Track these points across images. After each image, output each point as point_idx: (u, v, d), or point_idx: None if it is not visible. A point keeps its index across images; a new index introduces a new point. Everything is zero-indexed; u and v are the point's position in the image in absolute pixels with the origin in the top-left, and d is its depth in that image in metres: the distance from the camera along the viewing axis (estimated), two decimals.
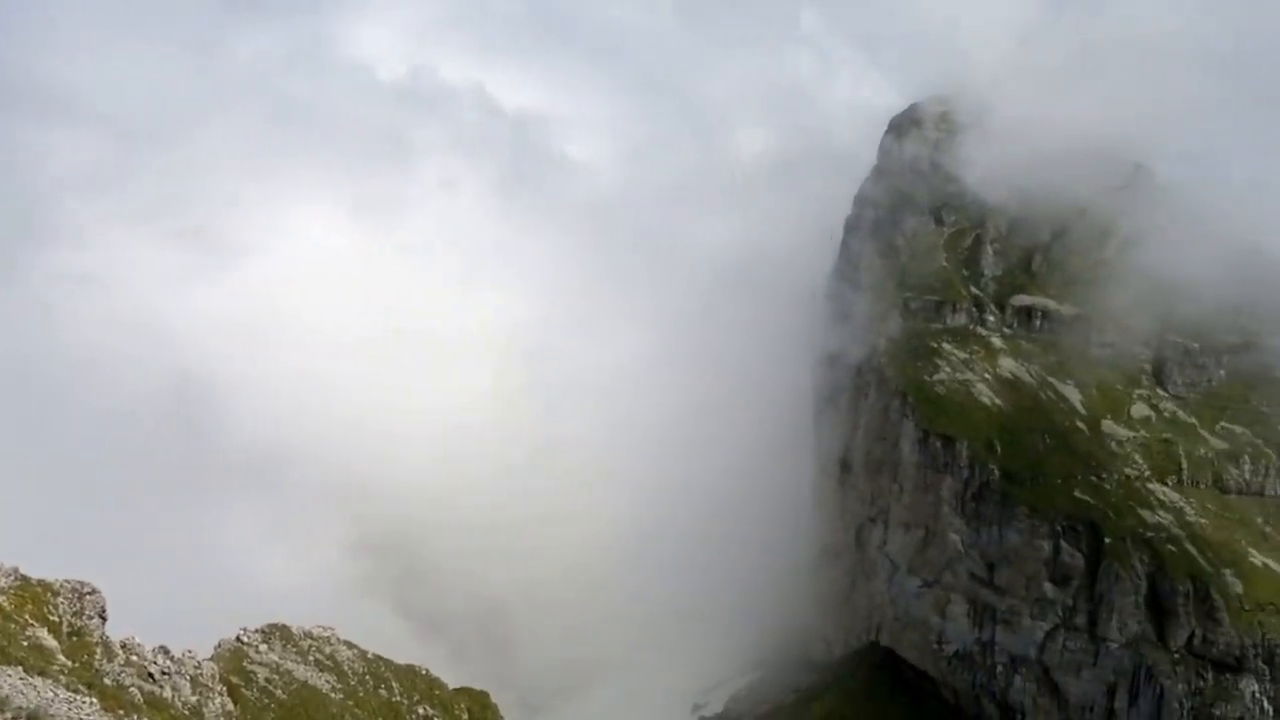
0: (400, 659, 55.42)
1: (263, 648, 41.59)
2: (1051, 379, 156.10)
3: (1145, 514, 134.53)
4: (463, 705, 55.68)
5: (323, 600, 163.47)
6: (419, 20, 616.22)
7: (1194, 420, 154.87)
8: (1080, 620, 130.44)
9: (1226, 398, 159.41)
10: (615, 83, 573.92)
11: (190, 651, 30.43)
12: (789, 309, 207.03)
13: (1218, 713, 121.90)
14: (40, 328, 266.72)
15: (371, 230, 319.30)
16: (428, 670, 56.05)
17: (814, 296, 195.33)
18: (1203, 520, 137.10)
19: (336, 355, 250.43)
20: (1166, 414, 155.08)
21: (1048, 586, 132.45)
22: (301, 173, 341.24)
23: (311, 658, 44.20)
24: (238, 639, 40.95)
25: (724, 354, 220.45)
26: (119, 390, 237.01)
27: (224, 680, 32.22)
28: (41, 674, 20.74)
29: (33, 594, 24.01)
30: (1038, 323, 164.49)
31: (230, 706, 31.28)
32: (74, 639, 24.27)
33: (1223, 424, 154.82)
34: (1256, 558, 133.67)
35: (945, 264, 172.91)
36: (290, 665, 41.58)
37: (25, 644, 22.10)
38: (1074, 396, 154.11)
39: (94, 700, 20.81)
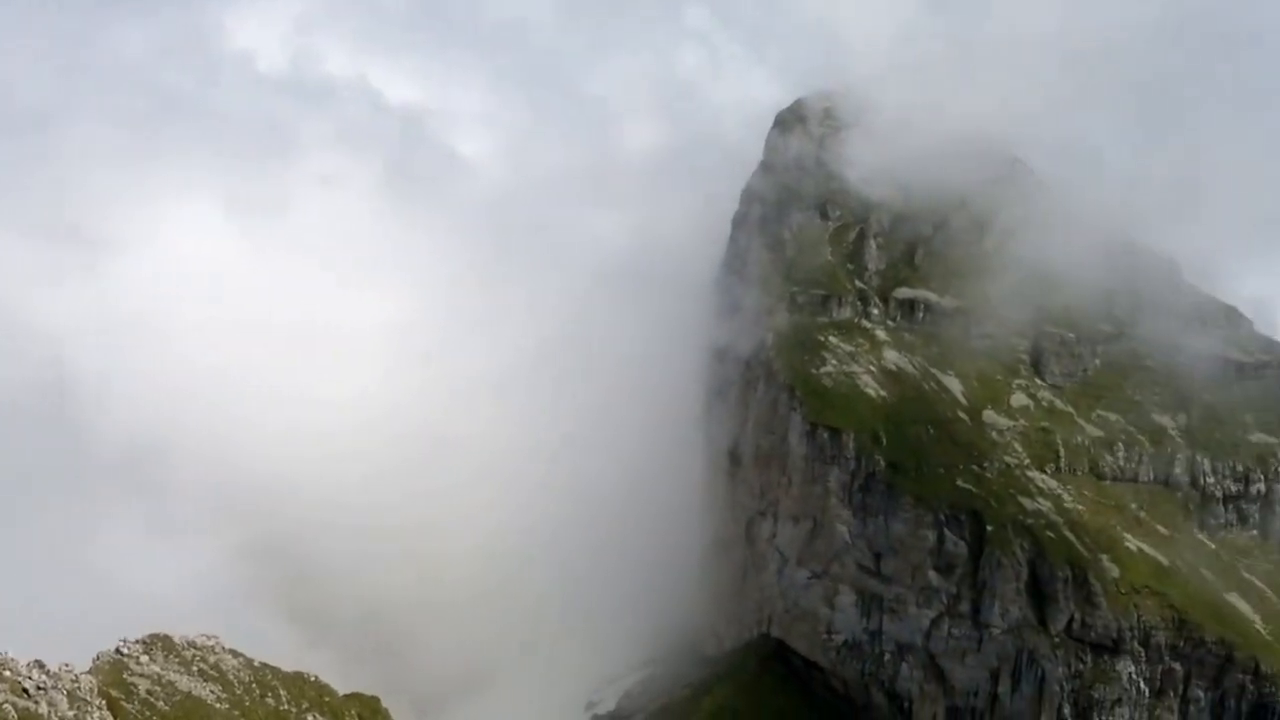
0: (288, 666, 54.08)
1: (144, 659, 40.38)
2: (934, 370, 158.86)
3: (1025, 501, 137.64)
4: (353, 711, 54.75)
5: (206, 606, 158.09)
6: (300, 10, 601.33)
7: (1070, 409, 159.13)
8: (964, 607, 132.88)
9: (1101, 386, 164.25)
10: (501, 76, 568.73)
11: (67, 665, 29.80)
12: (679, 303, 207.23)
13: (1096, 694, 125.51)
14: None
15: (253, 226, 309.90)
16: (316, 677, 54.99)
17: (703, 291, 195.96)
18: (1080, 507, 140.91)
19: (220, 355, 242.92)
20: (1044, 403, 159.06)
21: (932, 575, 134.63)
22: (179, 167, 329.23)
23: (195, 668, 43.15)
24: (117, 650, 39.73)
25: (614, 349, 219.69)
26: None
27: (103, 694, 31.35)
28: None
29: None
30: (920, 315, 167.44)
31: None
32: None
33: (1098, 412, 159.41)
34: (1131, 542, 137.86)
35: (831, 258, 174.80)
36: (173, 676, 40.55)
37: None
38: (955, 387, 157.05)
39: None
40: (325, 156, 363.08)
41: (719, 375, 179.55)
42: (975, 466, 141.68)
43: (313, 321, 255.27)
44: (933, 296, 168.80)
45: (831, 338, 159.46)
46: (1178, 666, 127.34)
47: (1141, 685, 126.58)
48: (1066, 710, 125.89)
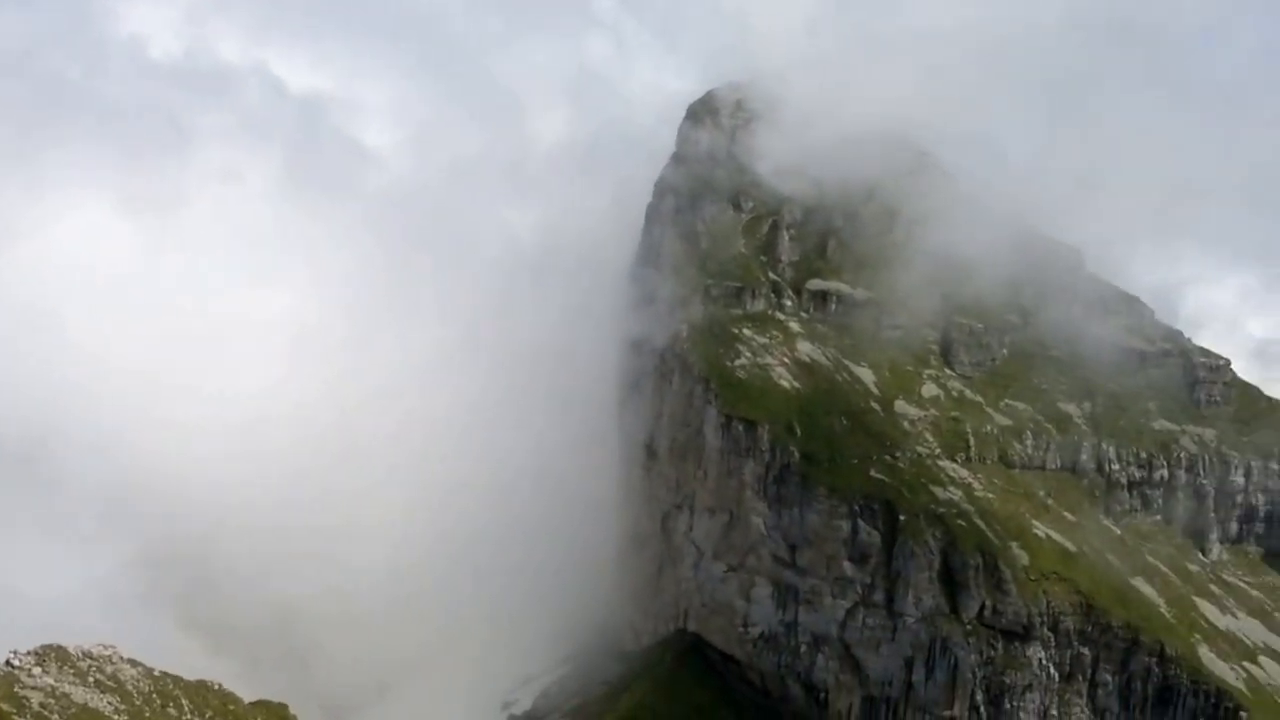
0: (190, 675, 53.21)
1: (36, 671, 39.20)
2: (847, 361, 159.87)
3: (937, 491, 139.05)
4: (259, 719, 54.44)
5: (103, 614, 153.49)
6: None
7: (979, 399, 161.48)
8: (878, 597, 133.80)
9: (1009, 376, 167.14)
10: (405, 64, 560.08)
11: None
12: (593, 295, 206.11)
13: (1008, 680, 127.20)
14: None
15: (149, 221, 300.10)
16: (220, 685, 54.43)
17: (618, 282, 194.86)
18: (990, 495, 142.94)
19: (115, 352, 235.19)
20: (954, 393, 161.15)
21: (847, 565, 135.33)
22: (66, 162, 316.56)
23: (91, 678, 41.83)
24: (8, 663, 38.64)
25: (528, 343, 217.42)
26: None
27: None
28: None
29: None
30: (833, 306, 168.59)
31: None
32: None
33: (1006, 401, 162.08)
34: (1040, 529, 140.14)
35: (744, 250, 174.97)
36: (68, 688, 39.28)
37: None
38: (868, 378, 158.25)
39: None
40: (223, 148, 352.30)
41: (634, 367, 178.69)
42: (888, 457, 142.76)
43: (215, 318, 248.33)
44: (845, 288, 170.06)
45: (746, 330, 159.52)
46: (1086, 651, 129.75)
47: (1051, 670, 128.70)
48: (979, 697, 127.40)
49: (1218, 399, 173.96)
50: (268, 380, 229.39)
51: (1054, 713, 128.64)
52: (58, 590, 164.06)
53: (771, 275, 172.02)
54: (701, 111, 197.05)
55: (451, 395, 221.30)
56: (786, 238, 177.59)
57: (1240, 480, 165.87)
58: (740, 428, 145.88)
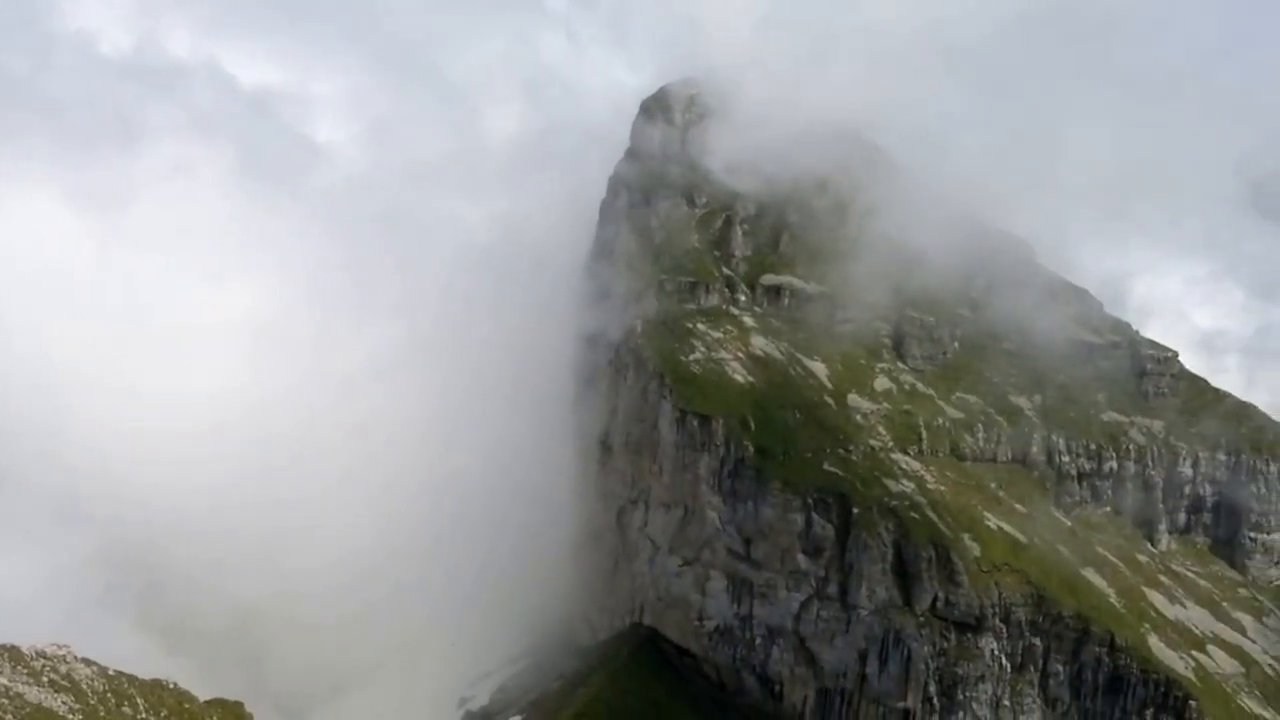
0: (147, 675, 52.93)
1: None
2: (800, 355, 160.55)
3: (890, 483, 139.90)
4: (215, 718, 54.26)
5: (56, 614, 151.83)
6: None
7: (931, 391, 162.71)
8: (833, 590, 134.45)
9: (960, 368, 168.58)
10: (358, 60, 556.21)
11: None
12: (548, 290, 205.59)
13: (961, 671, 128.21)
14: None
15: (99, 219, 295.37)
16: (176, 684, 54.17)
17: (573, 277, 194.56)
18: (942, 487, 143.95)
19: (66, 351, 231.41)
20: (906, 386, 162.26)
21: (801, 558, 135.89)
22: (12, 157, 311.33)
23: (45, 678, 41.90)
24: None
25: (483, 338, 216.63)
26: None
27: None
28: None
29: None
30: (786, 301, 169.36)
31: None
32: None
33: (957, 394, 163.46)
34: (991, 521, 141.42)
35: (698, 245, 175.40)
36: (21, 688, 39.28)
37: None
38: (821, 371, 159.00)
39: None
40: (174, 144, 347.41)
41: (589, 362, 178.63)
42: (841, 450, 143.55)
43: (165, 315, 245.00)
44: (797, 282, 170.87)
45: (700, 325, 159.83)
46: (1037, 642, 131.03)
47: (1004, 661, 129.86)
48: (932, 688, 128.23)
49: (1165, 390, 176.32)
50: (221, 380, 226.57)
51: (1006, 703, 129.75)
52: (11, 592, 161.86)
53: (725, 270, 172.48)
54: (655, 108, 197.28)
55: (407, 392, 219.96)
56: (740, 232, 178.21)
57: (1188, 471, 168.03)
58: (695, 422, 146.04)
